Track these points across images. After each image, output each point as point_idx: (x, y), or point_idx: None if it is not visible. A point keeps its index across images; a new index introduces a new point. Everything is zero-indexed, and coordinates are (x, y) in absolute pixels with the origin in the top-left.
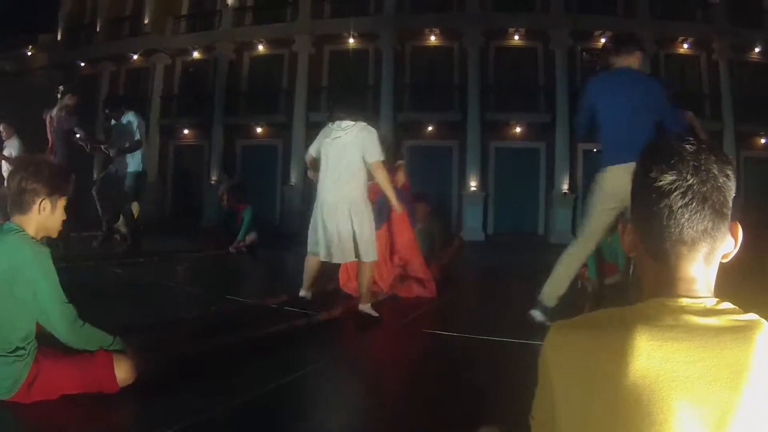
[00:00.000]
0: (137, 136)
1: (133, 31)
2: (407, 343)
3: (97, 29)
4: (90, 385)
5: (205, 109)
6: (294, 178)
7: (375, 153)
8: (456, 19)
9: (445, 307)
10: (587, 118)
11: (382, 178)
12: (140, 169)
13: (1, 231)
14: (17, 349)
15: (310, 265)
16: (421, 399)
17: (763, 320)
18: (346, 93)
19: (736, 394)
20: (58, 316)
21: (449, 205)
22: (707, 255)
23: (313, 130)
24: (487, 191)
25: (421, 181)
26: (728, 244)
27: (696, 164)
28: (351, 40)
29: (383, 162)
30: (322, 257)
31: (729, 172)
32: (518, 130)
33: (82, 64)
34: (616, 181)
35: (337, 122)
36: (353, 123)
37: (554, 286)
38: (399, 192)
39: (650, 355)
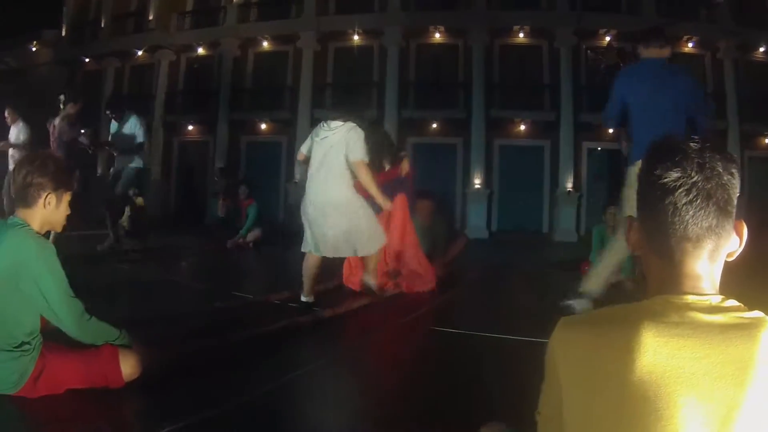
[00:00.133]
0: (140, 138)
1: (138, 28)
2: (412, 340)
3: (102, 25)
4: (95, 379)
5: (210, 105)
6: (298, 175)
7: (357, 152)
8: (461, 17)
9: (449, 305)
10: (617, 110)
11: (364, 177)
12: (141, 166)
13: (5, 226)
14: (22, 344)
15: (309, 265)
16: (425, 397)
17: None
18: (345, 92)
19: (742, 391)
20: (64, 310)
21: (453, 203)
22: (712, 252)
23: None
24: (492, 189)
25: (425, 178)
26: (733, 242)
27: (700, 162)
28: (356, 37)
29: (365, 162)
30: (313, 251)
31: (733, 170)
32: (523, 128)
33: (87, 60)
34: None
35: (327, 122)
36: (342, 123)
37: (599, 277)
38: (403, 181)
39: (656, 352)
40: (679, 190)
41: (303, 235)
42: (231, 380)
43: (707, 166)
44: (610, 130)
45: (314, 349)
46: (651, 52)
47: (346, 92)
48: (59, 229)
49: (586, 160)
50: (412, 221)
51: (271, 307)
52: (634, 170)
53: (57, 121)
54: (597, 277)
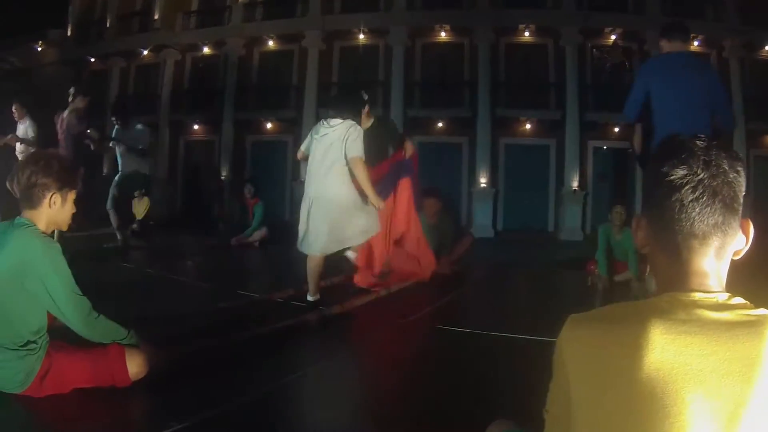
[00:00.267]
0: (145, 145)
1: (143, 27)
2: (417, 339)
3: (107, 25)
4: (102, 378)
5: (215, 104)
6: (304, 174)
7: (354, 149)
8: (466, 16)
9: (455, 304)
10: (638, 102)
11: (360, 174)
12: (145, 172)
13: (12, 226)
14: (29, 342)
15: (313, 264)
16: (431, 396)
17: None
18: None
19: (748, 387)
20: (71, 309)
21: (459, 202)
22: (718, 249)
23: None
24: (497, 188)
25: (431, 177)
26: (739, 240)
27: (706, 159)
28: (361, 36)
29: (362, 159)
30: (306, 250)
31: (739, 168)
32: (528, 126)
33: (92, 60)
34: None
35: (327, 120)
36: (341, 121)
37: None
38: (407, 163)
39: (664, 349)
40: (686, 187)
41: (300, 237)
42: (237, 379)
43: (713, 163)
44: (616, 130)
45: (319, 348)
46: (675, 46)
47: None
48: (65, 228)
49: (592, 158)
50: (413, 204)
51: (277, 306)
52: None
53: (65, 114)
54: None
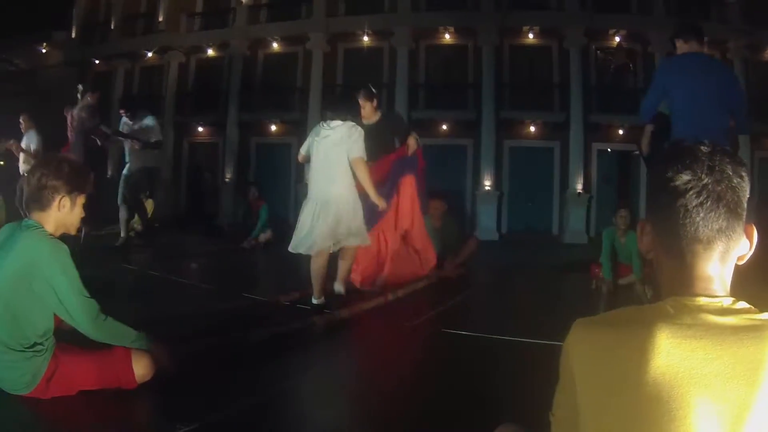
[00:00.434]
0: (157, 137)
1: (148, 29)
2: (422, 342)
3: (112, 27)
4: (108, 380)
5: (220, 106)
6: (307, 176)
7: (356, 150)
8: (471, 18)
9: (460, 307)
10: (655, 102)
11: (362, 174)
12: (156, 165)
13: (19, 228)
14: (35, 344)
15: (317, 266)
16: (437, 399)
17: None
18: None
19: (753, 391)
20: (79, 310)
21: (463, 204)
22: (723, 254)
23: None
24: (502, 190)
25: (436, 179)
26: (743, 245)
27: (710, 164)
28: (365, 38)
29: (364, 159)
30: (300, 250)
31: (743, 173)
32: (533, 129)
33: (97, 62)
34: None
35: (327, 121)
36: (342, 122)
37: None
38: (411, 160)
39: (669, 353)
40: (690, 193)
41: (300, 239)
42: (243, 381)
43: (717, 168)
44: (620, 132)
45: (324, 350)
46: (691, 47)
47: (332, 96)
48: (73, 232)
49: (596, 161)
50: (418, 200)
51: (282, 309)
52: None
53: (76, 111)
54: None
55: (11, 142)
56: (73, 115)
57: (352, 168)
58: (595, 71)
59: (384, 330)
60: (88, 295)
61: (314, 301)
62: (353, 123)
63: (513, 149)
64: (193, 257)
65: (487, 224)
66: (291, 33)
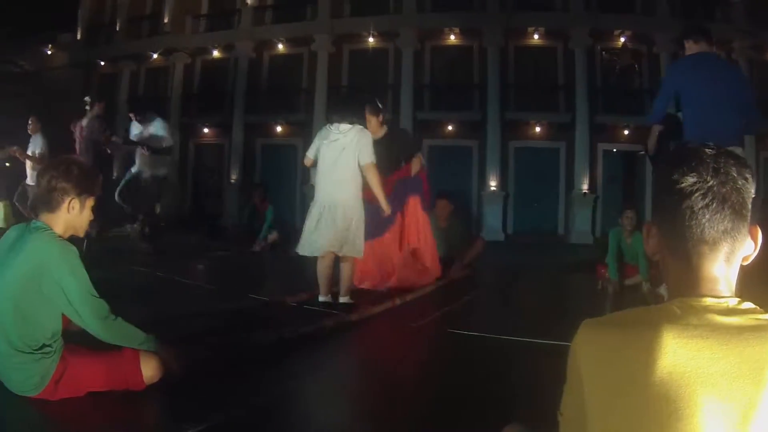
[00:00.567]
0: (168, 142)
1: (153, 30)
2: (429, 342)
3: (117, 28)
4: (116, 382)
5: (225, 108)
6: (313, 178)
7: (367, 155)
8: (476, 19)
9: (466, 308)
10: (666, 103)
11: (373, 179)
12: (167, 173)
13: (28, 230)
14: (44, 346)
15: (323, 266)
16: (443, 399)
17: None
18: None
19: (759, 390)
20: (88, 312)
21: (469, 205)
22: (728, 255)
23: None
24: (507, 191)
25: (441, 180)
26: (748, 245)
27: (716, 167)
28: (370, 39)
29: (375, 164)
30: (305, 252)
31: (747, 175)
32: (538, 129)
33: (102, 63)
34: None
35: (335, 125)
36: (350, 126)
37: None
38: (414, 181)
39: (676, 353)
40: (696, 195)
41: (307, 240)
42: (250, 382)
43: (722, 170)
44: (626, 132)
45: (332, 350)
46: (700, 47)
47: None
48: (82, 234)
49: (602, 161)
50: (428, 220)
51: (289, 310)
52: None
53: (85, 121)
54: None
55: (15, 148)
56: (82, 126)
57: (360, 173)
58: (601, 72)
59: (390, 330)
60: (98, 296)
61: (321, 298)
62: (361, 126)
63: (518, 150)
64: (199, 259)
65: (492, 225)
66: (296, 34)
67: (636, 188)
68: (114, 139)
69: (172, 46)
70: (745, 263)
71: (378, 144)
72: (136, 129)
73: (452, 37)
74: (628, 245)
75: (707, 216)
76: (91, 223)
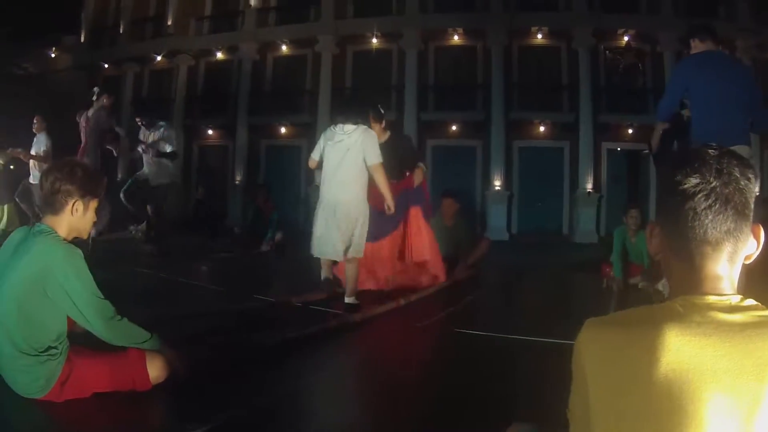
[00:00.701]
0: (174, 148)
1: (157, 32)
2: (435, 342)
3: (120, 30)
4: (122, 383)
5: (229, 109)
6: (318, 179)
7: (374, 156)
8: (479, 19)
9: (471, 307)
10: (673, 101)
11: (380, 179)
12: (174, 180)
13: (32, 233)
14: (49, 348)
15: (326, 268)
16: (450, 398)
17: None
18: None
19: (763, 386)
20: (93, 313)
21: (473, 205)
22: (731, 255)
23: None
24: (511, 191)
25: (445, 180)
26: (751, 244)
27: (718, 168)
28: (374, 40)
29: (382, 164)
30: (324, 254)
31: (750, 175)
32: (542, 129)
33: (106, 66)
34: None
35: (340, 126)
36: (355, 126)
37: None
38: (417, 192)
39: (680, 350)
40: (699, 196)
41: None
42: (255, 383)
43: (725, 171)
44: (629, 131)
45: (336, 351)
46: (707, 46)
47: (342, 100)
48: (85, 236)
49: (606, 160)
50: (430, 229)
51: (293, 310)
52: None
53: (91, 112)
54: None
55: (18, 150)
56: (87, 117)
57: (365, 173)
58: (604, 71)
59: (395, 330)
60: (103, 297)
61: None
62: (366, 127)
63: (522, 149)
64: (204, 260)
65: (497, 224)
66: (300, 36)
67: (640, 187)
68: (117, 130)
69: (175, 48)
70: (748, 262)
71: (380, 149)
72: (142, 135)
73: (456, 37)
74: (633, 244)
75: (710, 217)
76: (93, 224)
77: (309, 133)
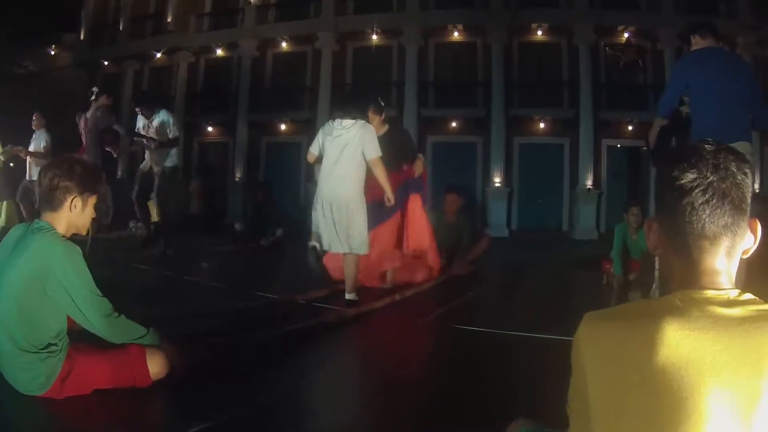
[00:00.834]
0: (175, 133)
1: (157, 30)
2: (434, 338)
3: (121, 28)
4: (123, 379)
5: (229, 106)
6: (317, 174)
7: (373, 150)
8: (479, 15)
9: (471, 303)
10: (674, 97)
11: (380, 173)
12: (176, 164)
13: (30, 230)
14: (49, 345)
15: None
16: (451, 394)
17: None
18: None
19: (762, 379)
20: (92, 310)
21: (473, 202)
22: (729, 249)
23: None
24: (512, 187)
25: (445, 177)
26: (748, 239)
27: (715, 162)
28: (374, 37)
29: (381, 158)
30: (325, 247)
31: (746, 170)
32: (542, 125)
33: (106, 63)
34: None
35: (338, 121)
36: (353, 121)
37: None
38: (416, 181)
39: (679, 344)
40: (696, 191)
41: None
42: (257, 379)
43: (722, 166)
44: (630, 128)
45: (337, 348)
46: (707, 42)
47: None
48: (84, 232)
49: (606, 157)
50: (428, 218)
51: (298, 307)
52: None
53: (90, 113)
54: None
55: (19, 148)
56: (86, 118)
57: (363, 168)
58: (605, 68)
59: (396, 327)
60: (101, 295)
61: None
62: (364, 121)
63: (523, 146)
64: (206, 257)
65: (497, 221)
66: (300, 32)
67: (640, 184)
68: (117, 128)
69: (175, 45)
70: (745, 256)
71: (379, 141)
72: (141, 123)
73: (456, 34)
74: (634, 242)
75: (708, 211)
76: (93, 220)
77: (309, 130)
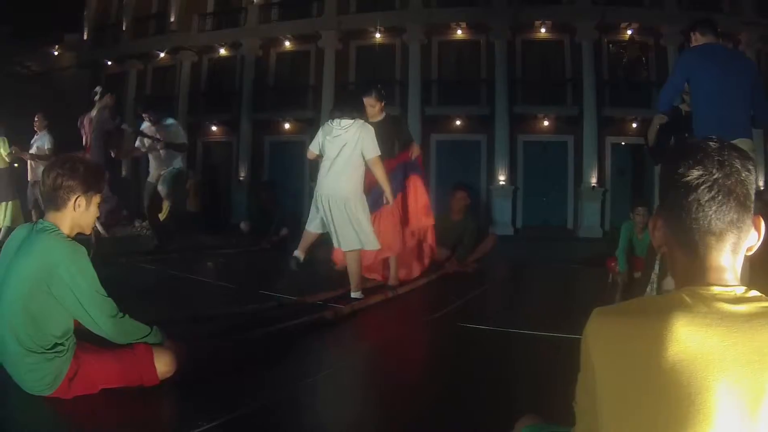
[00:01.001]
0: (183, 139)
1: (159, 29)
2: (439, 337)
3: (123, 28)
4: (130, 378)
5: (233, 105)
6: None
7: (372, 150)
8: (482, 13)
9: (477, 301)
10: (676, 91)
11: (380, 172)
12: (180, 167)
13: (35, 230)
14: (56, 345)
15: (308, 237)
16: (457, 392)
17: None
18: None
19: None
20: (97, 311)
21: (478, 200)
22: (734, 245)
23: None
24: (516, 185)
25: (450, 175)
26: (752, 236)
27: (720, 159)
28: (377, 35)
29: (380, 158)
30: (336, 244)
31: (750, 167)
32: (546, 123)
33: (109, 63)
34: None
35: (337, 120)
36: (352, 121)
37: None
38: (414, 164)
39: (686, 340)
40: (702, 187)
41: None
42: (264, 377)
43: (726, 163)
44: (633, 125)
45: (343, 347)
46: (708, 39)
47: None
48: (88, 232)
49: (610, 154)
50: (428, 198)
51: (304, 306)
52: None
53: (94, 113)
54: None
55: (25, 153)
56: (90, 119)
57: (361, 168)
58: (608, 65)
59: (402, 324)
60: (106, 295)
61: (295, 254)
62: (363, 121)
63: (527, 144)
64: (211, 256)
65: (501, 219)
66: (303, 31)
67: (645, 181)
68: (124, 126)
69: (178, 44)
70: (749, 253)
71: (375, 126)
72: (144, 126)
73: (459, 31)
74: (640, 240)
75: (714, 208)
76: (97, 219)
77: (312, 129)
